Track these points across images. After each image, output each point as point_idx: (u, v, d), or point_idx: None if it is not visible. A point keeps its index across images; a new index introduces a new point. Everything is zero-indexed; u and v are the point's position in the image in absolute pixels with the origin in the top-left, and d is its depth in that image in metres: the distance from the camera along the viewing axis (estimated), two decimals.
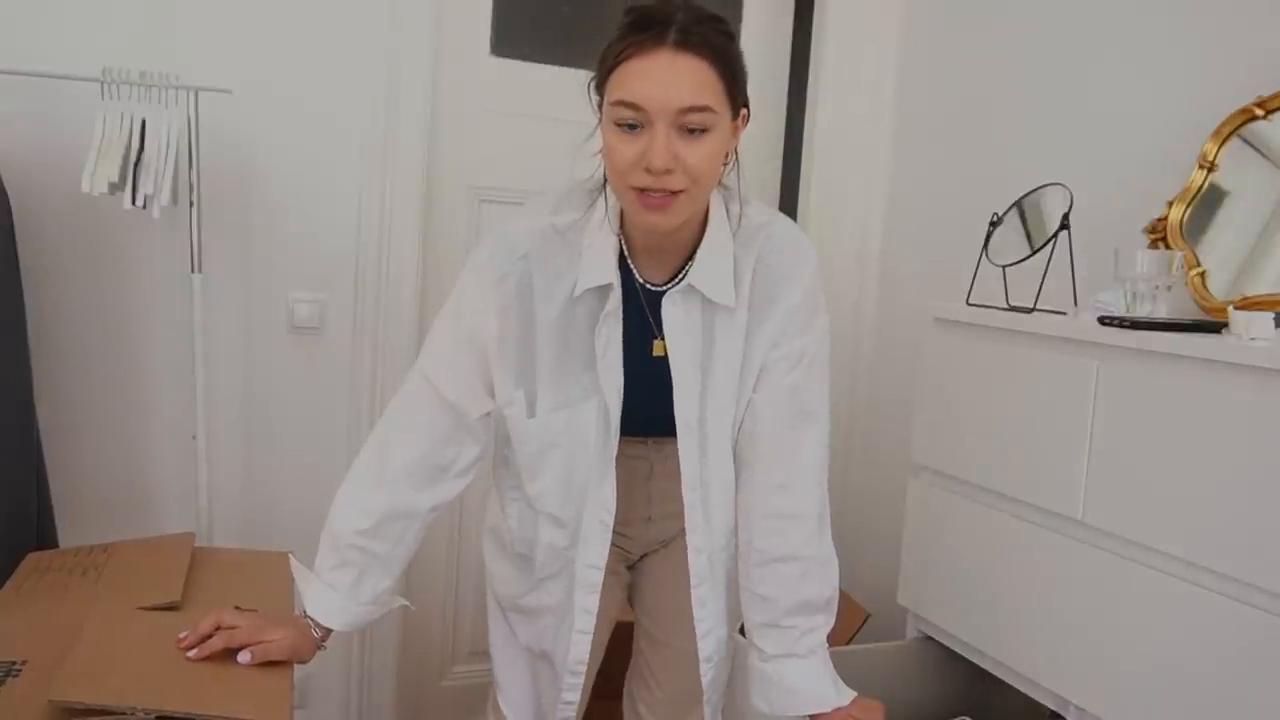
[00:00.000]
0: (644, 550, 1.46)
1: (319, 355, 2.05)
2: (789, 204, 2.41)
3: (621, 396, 1.25)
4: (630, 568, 1.49)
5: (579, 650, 1.33)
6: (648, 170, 1.09)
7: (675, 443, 1.27)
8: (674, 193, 1.11)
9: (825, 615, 1.30)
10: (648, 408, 1.27)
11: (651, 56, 1.07)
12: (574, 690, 1.35)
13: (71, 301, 1.85)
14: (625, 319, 1.23)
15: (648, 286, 1.25)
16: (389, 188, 2.02)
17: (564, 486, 1.29)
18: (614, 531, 1.32)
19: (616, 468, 1.29)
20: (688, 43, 1.07)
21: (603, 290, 1.21)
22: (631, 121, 1.09)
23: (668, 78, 1.07)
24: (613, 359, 1.23)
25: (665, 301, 1.23)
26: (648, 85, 1.07)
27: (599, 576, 1.31)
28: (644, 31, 1.08)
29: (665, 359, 1.25)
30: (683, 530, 1.32)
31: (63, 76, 1.67)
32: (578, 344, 1.24)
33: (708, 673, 1.36)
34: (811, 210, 2.37)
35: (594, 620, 1.32)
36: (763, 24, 2.38)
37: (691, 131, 1.09)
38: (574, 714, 1.37)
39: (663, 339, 1.25)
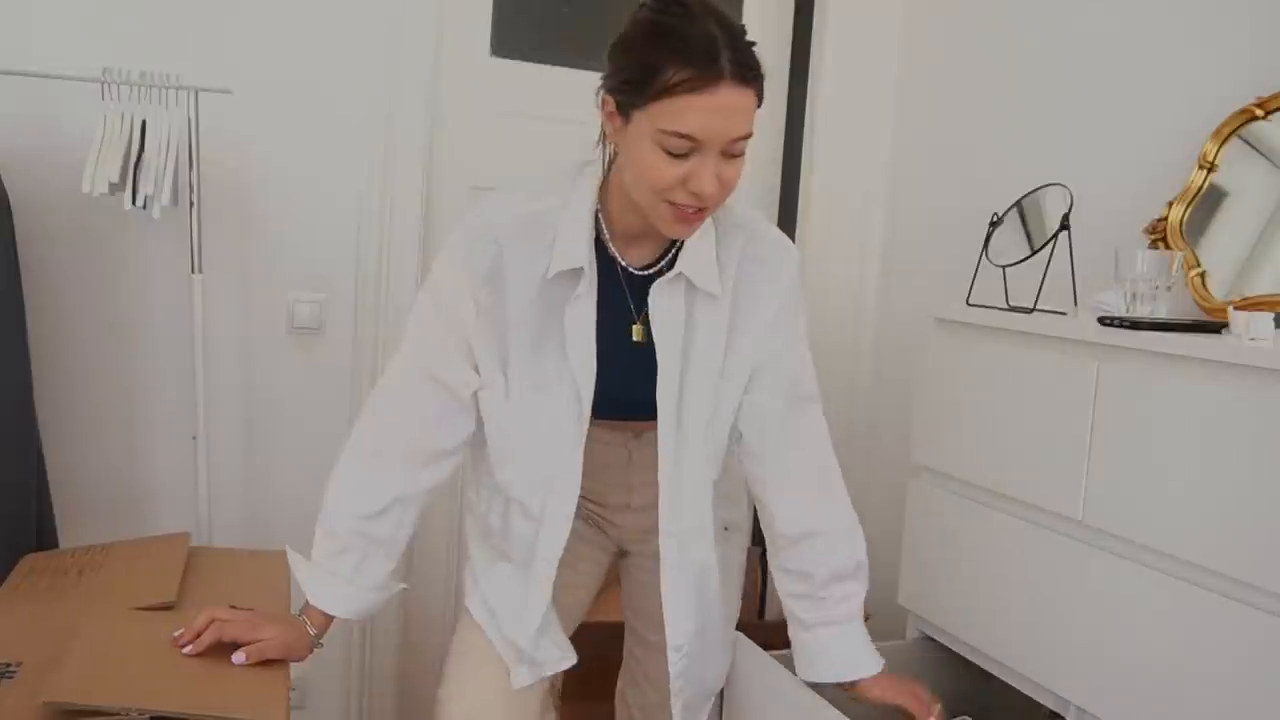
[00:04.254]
0: (627, 539, 1.47)
1: (319, 355, 2.05)
2: (789, 204, 2.40)
3: (593, 381, 1.25)
4: (622, 557, 1.49)
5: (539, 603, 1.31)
6: (694, 193, 1.11)
7: (653, 429, 1.28)
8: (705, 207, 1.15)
9: (858, 582, 1.36)
10: (623, 392, 1.27)
11: (713, 94, 1.07)
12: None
13: (71, 301, 1.85)
14: (602, 302, 1.24)
15: (630, 270, 1.26)
16: (389, 188, 2.02)
17: (533, 473, 1.29)
18: (594, 514, 1.35)
19: (596, 454, 1.30)
20: (745, 76, 1.08)
21: (576, 273, 1.22)
22: (683, 151, 1.10)
23: (729, 114, 1.08)
24: (584, 343, 1.24)
25: (654, 290, 1.24)
26: (711, 122, 1.08)
27: (553, 570, 1.30)
28: (699, 65, 1.06)
29: (642, 344, 1.26)
30: None
31: (63, 76, 1.67)
32: (551, 327, 1.24)
33: (676, 663, 1.36)
34: (811, 210, 2.36)
35: (544, 612, 1.31)
36: (763, 23, 2.38)
37: (733, 153, 1.12)
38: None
39: (640, 323, 1.26)
